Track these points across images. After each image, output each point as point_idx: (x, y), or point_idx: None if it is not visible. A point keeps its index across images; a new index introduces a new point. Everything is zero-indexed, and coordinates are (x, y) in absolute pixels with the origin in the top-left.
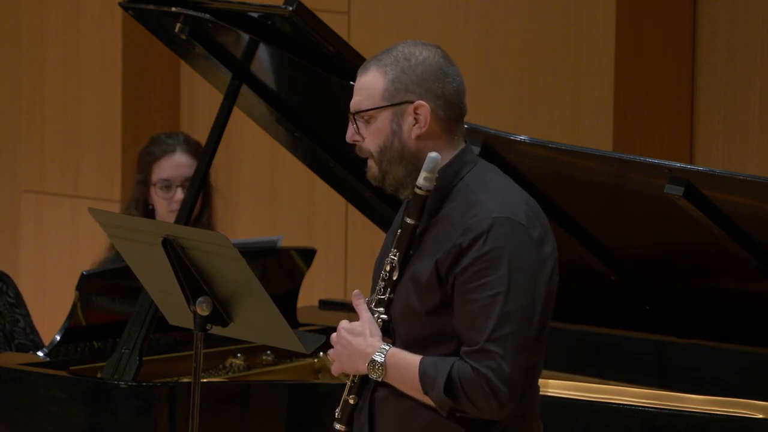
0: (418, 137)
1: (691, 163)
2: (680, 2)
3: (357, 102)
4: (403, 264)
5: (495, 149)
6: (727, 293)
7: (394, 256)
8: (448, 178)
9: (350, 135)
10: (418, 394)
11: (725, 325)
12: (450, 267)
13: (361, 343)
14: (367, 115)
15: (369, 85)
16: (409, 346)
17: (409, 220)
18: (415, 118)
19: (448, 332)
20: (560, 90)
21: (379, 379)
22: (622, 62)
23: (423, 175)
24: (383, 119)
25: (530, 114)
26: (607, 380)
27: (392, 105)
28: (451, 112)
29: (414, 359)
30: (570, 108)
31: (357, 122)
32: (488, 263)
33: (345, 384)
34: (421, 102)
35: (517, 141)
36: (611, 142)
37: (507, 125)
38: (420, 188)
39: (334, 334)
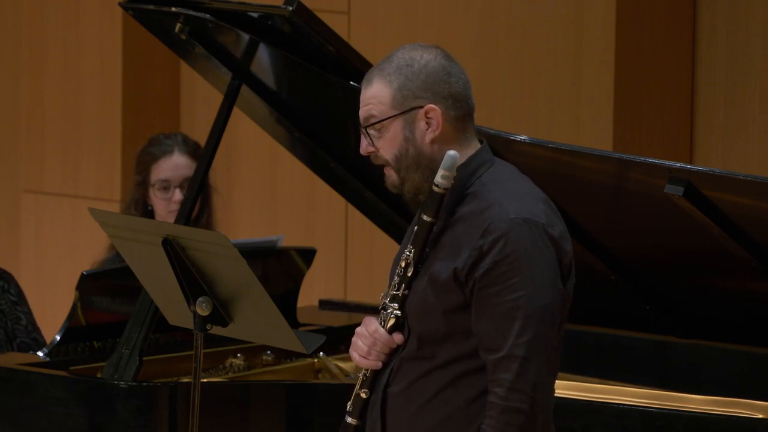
0: (432, 141)
1: (691, 163)
2: (680, 2)
3: (366, 114)
4: (420, 261)
5: (495, 149)
6: (727, 293)
7: (410, 252)
8: (464, 178)
9: (364, 148)
10: None
11: (725, 325)
12: (470, 270)
13: None
14: (379, 125)
15: (375, 95)
16: (424, 343)
17: (425, 218)
18: (427, 123)
19: (463, 331)
20: (560, 90)
21: None
22: (622, 62)
23: (441, 173)
24: (395, 128)
25: (530, 114)
26: (606, 380)
27: (402, 113)
28: (460, 111)
29: None
30: (570, 108)
31: (369, 134)
32: (509, 266)
33: (344, 383)
34: (431, 105)
35: (517, 141)
36: (611, 142)
37: (507, 125)
38: (437, 186)
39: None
